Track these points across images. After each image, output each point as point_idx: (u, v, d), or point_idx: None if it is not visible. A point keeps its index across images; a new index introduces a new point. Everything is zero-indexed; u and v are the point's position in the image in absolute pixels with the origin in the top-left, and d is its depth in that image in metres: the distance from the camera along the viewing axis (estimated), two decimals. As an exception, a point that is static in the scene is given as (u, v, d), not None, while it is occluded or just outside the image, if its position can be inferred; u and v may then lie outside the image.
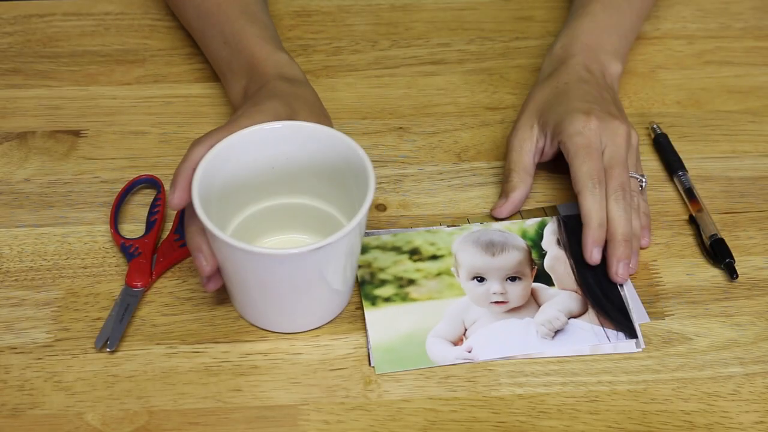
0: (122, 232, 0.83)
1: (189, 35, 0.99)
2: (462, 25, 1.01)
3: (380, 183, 0.87)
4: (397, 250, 0.82)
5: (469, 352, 0.76)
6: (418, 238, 0.82)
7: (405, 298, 0.79)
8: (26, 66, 0.97)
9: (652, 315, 0.79)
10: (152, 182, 0.86)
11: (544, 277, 0.80)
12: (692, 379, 0.75)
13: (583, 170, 0.80)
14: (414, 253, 0.81)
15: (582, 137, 0.81)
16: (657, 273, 0.81)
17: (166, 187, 0.85)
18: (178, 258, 0.82)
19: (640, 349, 0.76)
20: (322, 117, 0.82)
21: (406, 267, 0.81)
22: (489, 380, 0.75)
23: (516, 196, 0.84)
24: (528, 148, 0.84)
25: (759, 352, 0.77)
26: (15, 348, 0.77)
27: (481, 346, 0.76)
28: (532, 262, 0.81)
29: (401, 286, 0.80)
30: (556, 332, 0.77)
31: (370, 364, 0.76)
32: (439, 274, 0.80)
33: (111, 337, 0.76)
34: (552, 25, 1.01)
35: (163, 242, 0.82)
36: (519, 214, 0.85)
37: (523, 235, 0.82)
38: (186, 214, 0.75)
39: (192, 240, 0.74)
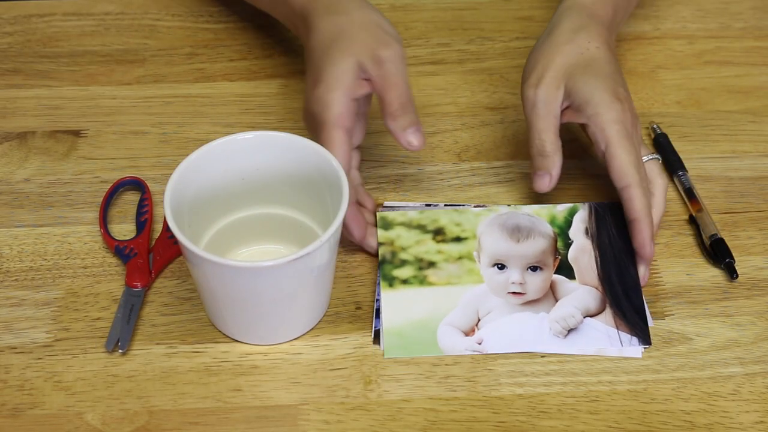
0: (113, 234, 0.83)
1: (189, 35, 0.99)
2: (462, 25, 1.01)
3: (380, 183, 0.87)
4: (421, 228, 0.81)
5: (479, 344, 0.76)
6: (445, 217, 0.82)
7: (423, 282, 0.79)
8: (26, 66, 0.97)
9: (652, 315, 0.79)
10: (135, 183, 0.86)
11: (566, 270, 0.79)
12: (692, 379, 0.75)
13: (630, 160, 0.78)
14: (438, 233, 0.81)
15: (622, 126, 0.78)
16: (657, 273, 0.81)
17: (151, 187, 0.85)
18: (174, 255, 0.82)
19: (641, 355, 0.76)
20: (387, 39, 0.79)
21: (428, 248, 0.80)
22: (489, 380, 0.75)
23: (556, 168, 0.80)
24: (554, 109, 0.80)
25: (759, 352, 0.77)
26: (15, 348, 0.77)
27: (491, 339, 0.76)
28: (556, 251, 0.80)
29: (420, 268, 0.79)
30: (569, 330, 0.77)
31: (380, 347, 0.76)
32: (460, 258, 0.80)
33: (121, 339, 0.76)
34: (552, 25, 1.01)
35: (157, 241, 0.82)
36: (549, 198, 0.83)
37: (552, 221, 0.81)
38: None
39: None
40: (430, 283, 0.79)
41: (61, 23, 1.01)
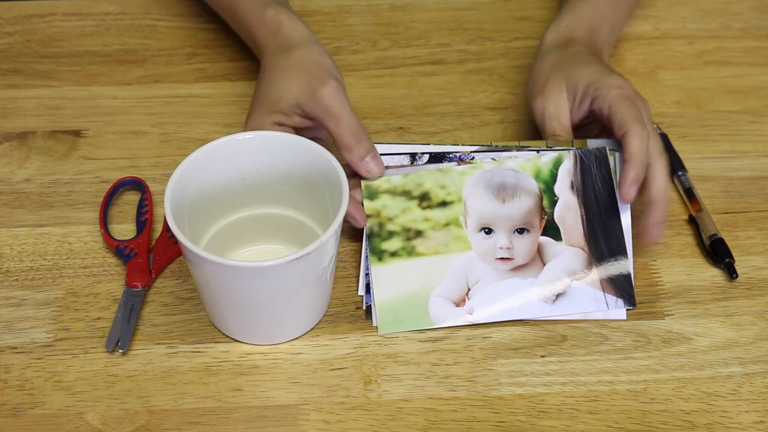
0: (113, 234, 0.83)
1: (189, 35, 0.99)
2: (462, 25, 1.01)
3: (380, 183, 0.87)
4: (407, 194, 0.80)
5: (470, 314, 0.77)
6: (429, 179, 0.81)
7: (411, 253, 0.79)
8: (26, 66, 0.97)
9: (652, 315, 0.79)
10: (135, 183, 0.86)
11: (552, 230, 0.79)
12: (692, 379, 0.75)
13: (630, 113, 0.79)
14: (424, 199, 0.80)
15: (623, 91, 0.80)
16: (657, 273, 0.81)
17: (152, 187, 0.86)
18: (174, 255, 0.82)
19: (625, 317, 0.78)
20: (323, 76, 0.80)
21: (414, 216, 0.80)
22: (489, 380, 0.75)
23: None
24: (565, 112, 0.83)
25: (759, 352, 0.77)
26: (15, 348, 0.77)
27: (482, 308, 0.77)
28: (542, 211, 0.80)
29: (408, 239, 0.79)
30: (558, 295, 0.77)
31: (372, 323, 0.77)
32: (447, 225, 0.80)
33: (122, 339, 0.76)
34: (552, 25, 1.01)
35: (157, 241, 0.82)
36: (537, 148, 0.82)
37: (537, 176, 0.81)
38: None
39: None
40: (419, 254, 0.79)
41: (62, 23, 1.01)
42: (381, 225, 0.80)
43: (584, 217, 0.80)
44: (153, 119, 0.92)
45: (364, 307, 0.78)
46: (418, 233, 0.80)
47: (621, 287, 0.78)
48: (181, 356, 0.76)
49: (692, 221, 0.84)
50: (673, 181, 0.88)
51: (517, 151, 0.82)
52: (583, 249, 0.79)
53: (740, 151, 0.90)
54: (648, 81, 0.96)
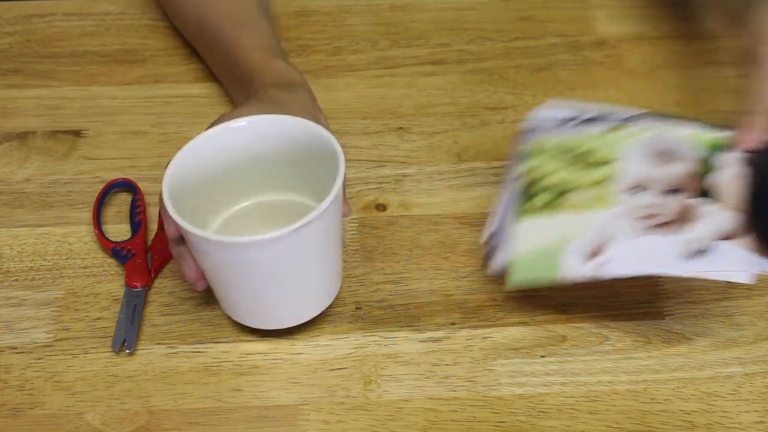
0: (111, 235, 0.83)
1: (189, 35, 0.99)
2: (462, 25, 1.01)
3: (380, 183, 0.88)
4: (564, 153, 0.79)
5: (601, 266, 0.73)
6: (589, 140, 0.78)
7: (557, 207, 0.77)
8: (26, 66, 0.97)
9: (651, 315, 0.79)
10: (126, 185, 0.86)
11: (707, 195, 0.75)
12: (692, 379, 0.75)
13: None
14: (579, 159, 0.78)
15: None
16: (657, 273, 0.81)
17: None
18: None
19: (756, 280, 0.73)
20: (314, 118, 0.81)
21: (567, 174, 0.78)
22: (489, 380, 0.75)
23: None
24: None
25: (759, 352, 0.77)
26: (15, 348, 0.77)
27: (614, 261, 0.73)
28: (700, 177, 0.76)
29: (556, 196, 0.77)
30: (700, 252, 0.73)
31: (507, 277, 0.75)
32: (597, 183, 0.77)
33: (128, 339, 0.76)
34: (552, 25, 1.01)
35: (154, 240, 0.83)
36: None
37: (704, 146, 0.77)
38: (165, 226, 0.75)
39: (174, 249, 0.75)
40: (563, 208, 0.77)
41: (62, 23, 1.01)
42: (532, 183, 0.78)
43: (745, 187, 0.75)
44: (153, 119, 0.93)
45: (493, 262, 0.77)
46: (567, 190, 0.77)
47: None
48: (181, 356, 0.76)
49: (692, 221, 0.84)
50: (673, 181, 0.88)
51: (683, 121, 0.79)
52: (739, 211, 0.74)
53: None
54: (648, 81, 0.96)
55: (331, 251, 0.75)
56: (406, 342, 0.77)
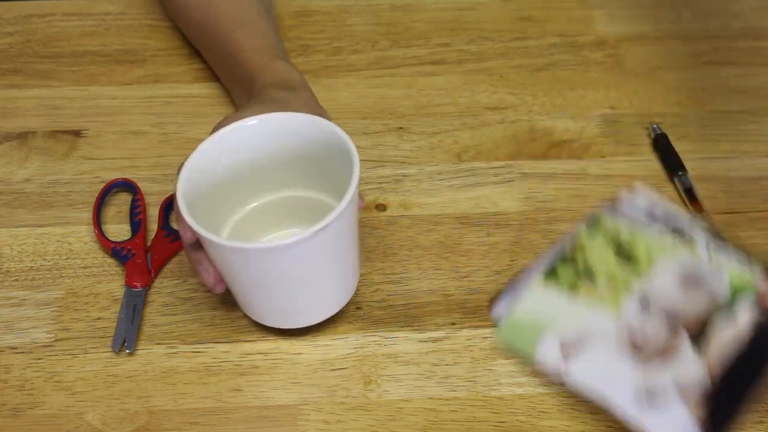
0: (111, 235, 0.83)
1: (189, 35, 0.99)
2: (462, 25, 1.01)
3: (380, 183, 0.88)
4: (614, 240, 0.76)
5: (565, 373, 0.71)
6: (639, 239, 0.76)
7: (573, 287, 0.74)
8: (26, 66, 0.97)
9: (652, 315, 0.79)
10: (126, 185, 0.86)
11: (700, 343, 0.71)
12: (692, 379, 0.75)
13: None
14: (621, 251, 0.76)
15: None
16: (657, 273, 0.81)
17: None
18: (172, 253, 0.82)
19: None
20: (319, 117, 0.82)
21: (601, 257, 0.75)
22: (489, 380, 0.75)
23: None
24: None
25: (759, 352, 0.77)
26: (15, 348, 0.77)
27: (579, 373, 0.71)
28: (707, 317, 0.71)
29: (584, 274, 0.75)
30: (651, 396, 0.69)
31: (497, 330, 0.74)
32: (617, 280, 0.74)
33: (128, 339, 0.76)
34: (552, 25, 1.01)
35: (154, 240, 0.83)
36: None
37: (738, 287, 0.73)
38: (181, 232, 0.74)
39: (190, 255, 0.75)
40: (577, 291, 0.74)
41: (62, 23, 1.01)
42: (572, 253, 0.76)
43: (734, 353, 0.70)
44: (153, 119, 0.93)
45: (494, 305, 0.75)
46: (593, 275, 0.75)
47: None
48: (181, 356, 0.76)
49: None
50: (673, 182, 0.88)
51: (735, 255, 0.75)
52: (712, 376, 0.70)
53: (741, 151, 0.90)
54: (648, 81, 0.96)
55: (349, 249, 0.74)
56: (406, 342, 0.77)
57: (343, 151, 0.73)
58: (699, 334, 0.72)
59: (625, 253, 0.76)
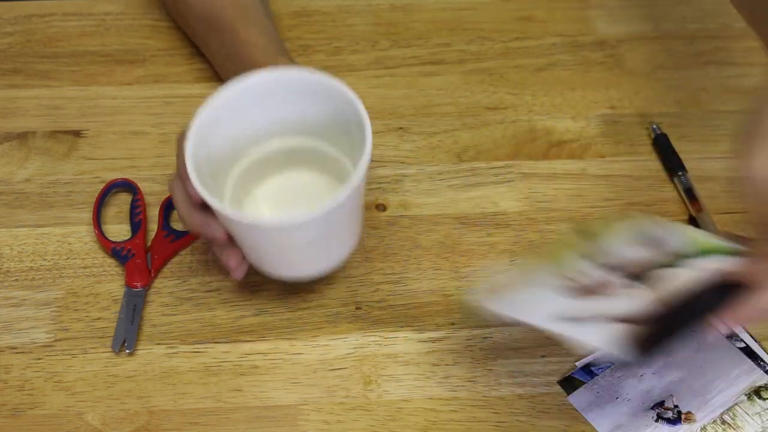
0: (111, 235, 0.83)
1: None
2: (462, 25, 1.01)
3: (380, 183, 0.88)
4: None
5: (495, 301, 0.70)
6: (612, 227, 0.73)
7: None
8: (26, 66, 0.97)
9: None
10: (126, 185, 0.86)
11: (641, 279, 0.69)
12: (692, 379, 0.75)
13: None
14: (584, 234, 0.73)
15: None
16: (657, 273, 0.81)
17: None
18: (172, 253, 0.82)
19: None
20: None
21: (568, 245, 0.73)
22: (489, 380, 0.75)
23: None
24: None
25: (759, 352, 0.77)
26: (15, 348, 0.77)
27: (505, 300, 0.70)
28: (657, 266, 0.68)
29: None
30: (575, 320, 0.67)
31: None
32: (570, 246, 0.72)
33: (128, 339, 0.76)
34: (552, 25, 1.01)
35: (154, 240, 0.83)
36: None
37: (693, 246, 0.69)
38: (210, 232, 0.73)
39: (192, 220, 0.73)
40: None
41: (62, 23, 1.01)
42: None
43: (692, 291, 0.66)
44: (153, 119, 0.93)
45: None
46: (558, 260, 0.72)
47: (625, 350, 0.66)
48: (181, 356, 0.76)
49: (692, 221, 0.85)
50: (673, 182, 0.88)
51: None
52: (659, 304, 0.66)
53: (740, 151, 0.90)
54: (648, 81, 0.96)
55: (357, 212, 0.74)
56: (406, 342, 0.77)
57: (358, 125, 0.72)
58: (640, 274, 0.68)
59: (588, 233, 0.74)
